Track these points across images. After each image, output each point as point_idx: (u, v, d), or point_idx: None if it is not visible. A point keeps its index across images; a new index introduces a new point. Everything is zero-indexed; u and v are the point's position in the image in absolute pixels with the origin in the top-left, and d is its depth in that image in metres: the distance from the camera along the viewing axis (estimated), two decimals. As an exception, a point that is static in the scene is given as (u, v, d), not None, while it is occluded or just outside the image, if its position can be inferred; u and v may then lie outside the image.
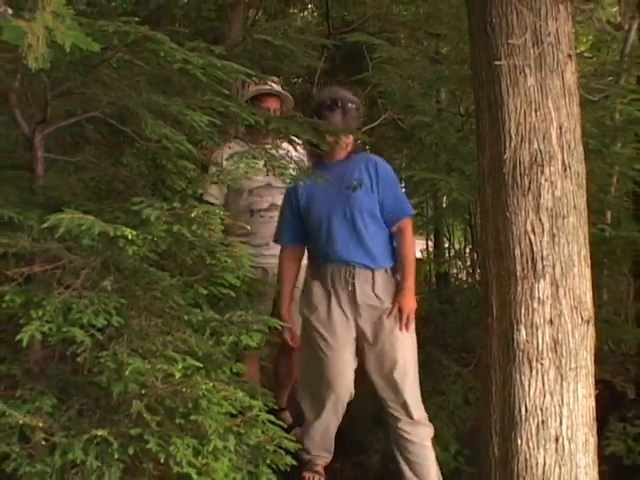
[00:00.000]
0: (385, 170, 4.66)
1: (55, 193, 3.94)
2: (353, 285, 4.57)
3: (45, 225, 3.49)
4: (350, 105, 4.68)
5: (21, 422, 3.52)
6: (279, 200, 5.33)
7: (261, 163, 4.34)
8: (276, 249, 5.25)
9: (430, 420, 4.64)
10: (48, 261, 3.75)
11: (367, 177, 4.60)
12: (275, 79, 5.56)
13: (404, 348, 4.56)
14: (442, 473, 4.62)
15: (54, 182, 4.08)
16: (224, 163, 5.12)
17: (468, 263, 9.29)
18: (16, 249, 3.64)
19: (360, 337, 4.64)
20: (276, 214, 5.36)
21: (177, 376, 3.59)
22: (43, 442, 3.57)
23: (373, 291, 4.57)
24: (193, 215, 3.61)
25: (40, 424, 3.56)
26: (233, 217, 5.46)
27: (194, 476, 3.61)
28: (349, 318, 4.61)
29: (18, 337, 3.43)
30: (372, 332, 4.58)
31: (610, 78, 6.46)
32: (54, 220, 3.45)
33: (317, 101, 4.85)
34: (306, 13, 7.72)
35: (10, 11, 2.88)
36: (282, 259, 4.97)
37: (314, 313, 4.70)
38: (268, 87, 5.54)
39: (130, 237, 3.47)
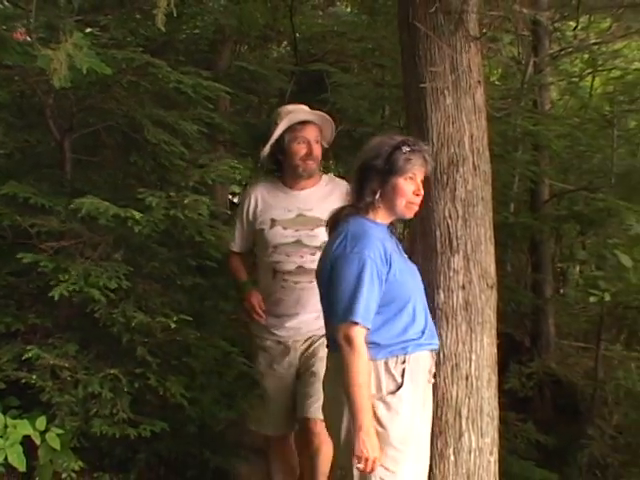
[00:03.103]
0: None
1: (79, 185, 3.95)
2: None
3: (70, 207, 3.52)
4: None
5: (52, 363, 3.55)
6: (310, 264, 3.36)
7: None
8: (301, 321, 3.50)
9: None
10: (72, 237, 3.75)
11: None
12: (305, 108, 3.69)
13: None
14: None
15: (79, 177, 4.07)
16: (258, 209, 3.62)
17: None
18: (48, 228, 3.66)
19: None
20: (304, 280, 3.44)
21: (172, 327, 3.60)
22: (69, 378, 3.60)
23: None
24: (186, 202, 3.61)
25: (67, 365, 3.60)
26: (258, 276, 3.70)
27: (186, 405, 3.63)
28: None
29: (50, 293, 3.45)
30: None
31: (513, 100, 6.46)
32: (77, 203, 3.48)
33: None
34: (281, 47, 7.62)
35: (29, 39, 2.89)
36: (362, 353, 2.53)
37: None
38: (301, 115, 3.60)
39: (137, 218, 3.48)
